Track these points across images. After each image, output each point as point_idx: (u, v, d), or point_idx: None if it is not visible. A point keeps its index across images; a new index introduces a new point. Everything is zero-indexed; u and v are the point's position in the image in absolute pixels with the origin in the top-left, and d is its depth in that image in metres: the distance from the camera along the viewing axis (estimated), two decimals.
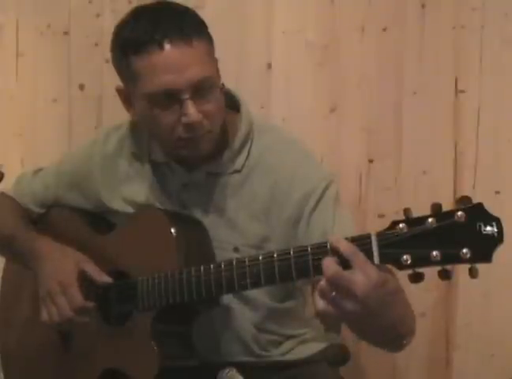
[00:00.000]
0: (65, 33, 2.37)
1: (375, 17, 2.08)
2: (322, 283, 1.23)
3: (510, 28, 1.97)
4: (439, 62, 2.03)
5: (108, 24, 2.30)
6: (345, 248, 1.25)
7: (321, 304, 1.24)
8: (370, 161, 2.09)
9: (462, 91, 2.01)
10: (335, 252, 1.26)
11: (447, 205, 1.94)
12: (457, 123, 2.02)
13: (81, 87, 2.37)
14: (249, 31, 2.18)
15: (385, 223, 2.02)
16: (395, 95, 2.07)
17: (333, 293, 1.22)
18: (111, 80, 2.31)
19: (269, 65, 2.18)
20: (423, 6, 2.04)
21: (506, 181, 1.98)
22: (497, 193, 1.98)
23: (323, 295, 1.23)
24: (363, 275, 1.21)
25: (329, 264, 1.22)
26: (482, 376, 2.02)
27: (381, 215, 2.07)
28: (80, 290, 1.62)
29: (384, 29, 2.07)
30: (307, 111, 2.14)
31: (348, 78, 2.11)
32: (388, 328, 1.30)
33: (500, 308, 1.99)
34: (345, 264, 1.24)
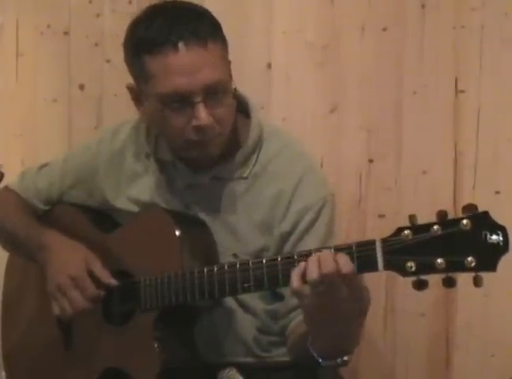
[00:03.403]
0: (65, 33, 2.37)
1: (375, 17, 2.07)
2: (313, 265, 1.27)
3: (510, 27, 1.96)
4: (439, 62, 2.02)
5: (108, 24, 2.31)
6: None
7: (297, 282, 1.29)
8: (370, 161, 2.09)
9: (462, 91, 2.01)
10: None
11: (447, 205, 1.95)
12: (457, 123, 2.01)
13: (81, 87, 2.36)
14: (249, 31, 2.18)
15: (385, 223, 2.05)
16: (395, 95, 2.07)
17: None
18: (111, 80, 2.31)
19: (269, 65, 2.17)
20: (423, 6, 2.03)
21: (506, 182, 1.98)
22: (497, 193, 1.97)
23: (302, 275, 1.28)
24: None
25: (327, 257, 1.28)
26: (482, 376, 2.01)
27: (381, 216, 2.07)
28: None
29: (384, 29, 2.07)
30: (307, 111, 2.14)
31: (348, 78, 2.11)
32: (338, 334, 1.36)
33: (500, 308, 1.99)
34: None
